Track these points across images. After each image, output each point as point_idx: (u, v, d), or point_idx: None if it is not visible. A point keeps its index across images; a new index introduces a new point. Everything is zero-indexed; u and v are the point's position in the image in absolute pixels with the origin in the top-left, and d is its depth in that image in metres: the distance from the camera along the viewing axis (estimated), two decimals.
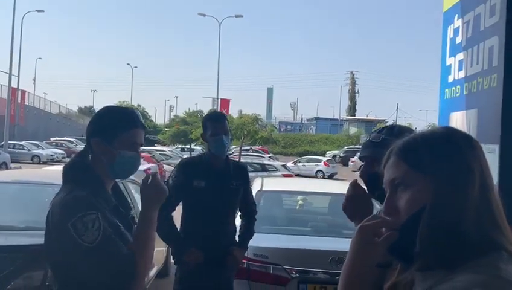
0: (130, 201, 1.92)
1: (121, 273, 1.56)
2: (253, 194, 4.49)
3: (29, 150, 28.62)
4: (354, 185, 1.62)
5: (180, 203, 2.89)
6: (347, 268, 0.89)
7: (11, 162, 21.77)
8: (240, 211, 3.05)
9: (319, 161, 27.86)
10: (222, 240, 2.82)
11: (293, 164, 25.22)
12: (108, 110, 1.80)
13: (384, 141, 1.55)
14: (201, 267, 2.73)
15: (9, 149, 25.52)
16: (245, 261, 3.35)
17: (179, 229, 2.87)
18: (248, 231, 3.02)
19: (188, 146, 29.86)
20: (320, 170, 26.20)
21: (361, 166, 1.71)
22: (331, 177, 24.73)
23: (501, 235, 0.84)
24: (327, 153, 41.35)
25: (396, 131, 1.60)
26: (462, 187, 0.83)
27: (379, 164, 1.55)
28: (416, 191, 0.85)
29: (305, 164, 26.76)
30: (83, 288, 1.58)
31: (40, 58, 66.85)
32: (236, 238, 2.96)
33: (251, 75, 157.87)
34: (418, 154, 0.87)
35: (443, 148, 0.86)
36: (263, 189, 4.58)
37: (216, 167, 2.87)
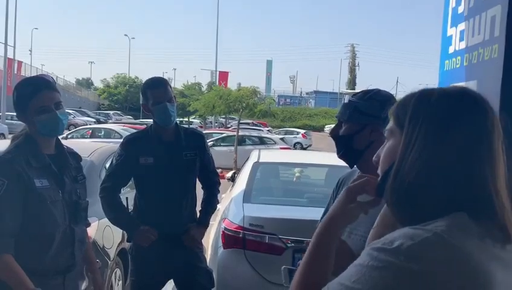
0: (72, 163, 2.06)
1: None
2: (250, 165, 4.52)
3: None
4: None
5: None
6: (324, 226, 0.95)
7: (9, 133, 21.74)
8: (200, 182, 2.84)
9: (298, 133, 28.58)
10: (178, 217, 2.62)
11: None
12: (15, 87, 1.97)
13: (352, 103, 1.59)
14: (156, 246, 2.55)
15: (6, 120, 25.43)
16: (241, 231, 3.37)
17: (132, 209, 2.72)
18: (208, 205, 2.79)
19: (186, 119, 29.77)
20: (299, 142, 26.69)
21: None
22: (306, 148, 25.56)
23: (477, 201, 0.79)
24: (326, 126, 41.30)
25: (368, 95, 1.61)
26: (428, 150, 0.80)
27: (345, 124, 1.58)
28: (393, 144, 0.88)
29: (284, 136, 27.01)
30: None
31: (36, 29, 66.00)
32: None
33: (250, 47, 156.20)
34: (401, 109, 0.87)
35: (425, 107, 0.84)
36: (260, 161, 4.58)
37: (165, 139, 2.62)
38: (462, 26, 2.33)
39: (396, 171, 0.83)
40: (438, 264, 0.71)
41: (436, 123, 0.81)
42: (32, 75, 2.38)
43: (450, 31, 2.48)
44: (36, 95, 1.88)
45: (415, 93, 0.87)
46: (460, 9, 2.35)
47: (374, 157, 0.95)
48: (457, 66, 2.36)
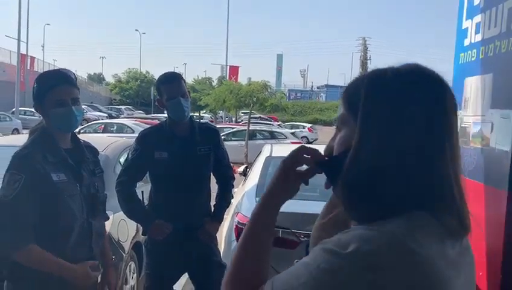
0: (89, 156, 2.10)
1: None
2: (262, 160, 4.53)
3: (40, 116, 28.60)
4: None
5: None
6: (263, 203, 0.86)
7: (23, 128, 21.99)
8: (214, 177, 2.85)
9: (304, 127, 28.92)
10: (192, 211, 2.64)
11: None
12: (36, 79, 2.00)
13: None
14: (171, 240, 2.58)
15: (20, 116, 25.71)
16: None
17: (147, 203, 2.75)
18: (223, 200, 2.79)
19: (197, 113, 29.85)
20: (305, 136, 26.80)
21: None
22: (311, 142, 25.41)
23: (433, 195, 0.73)
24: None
25: None
26: (386, 136, 0.73)
27: None
28: (346, 133, 0.79)
29: (290, 130, 27.07)
30: None
31: (48, 24, 66.45)
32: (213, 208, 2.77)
33: (261, 41, 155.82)
34: (353, 94, 0.78)
35: (378, 88, 0.75)
36: (272, 155, 4.58)
37: (179, 134, 2.64)
38: (478, 18, 2.30)
39: (351, 162, 0.74)
40: (395, 274, 0.65)
41: (392, 105, 0.73)
42: (52, 69, 2.41)
43: (466, 24, 2.45)
44: (55, 88, 1.91)
45: (366, 75, 0.78)
46: (476, 1, 2.32)
47: (324, 150, 0.86)
48: (473, 59, 2.33)
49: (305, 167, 0.86)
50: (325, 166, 0.83)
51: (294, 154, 0.85)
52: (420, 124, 0.72)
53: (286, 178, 0.85)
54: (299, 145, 0.88)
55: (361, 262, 0.66)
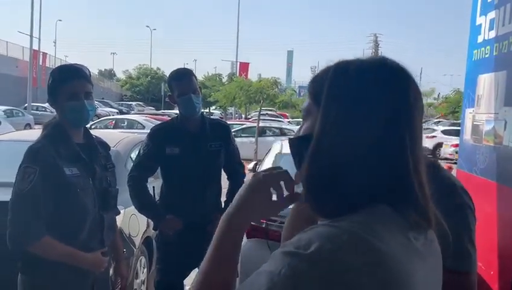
0: (101, 151, 2.12)
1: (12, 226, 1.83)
2: (272, 156, 4.53)
3: (51, 112, 28.92)
4: None
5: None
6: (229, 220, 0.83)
7: (35, 123, 22.25)
8: (225, 173, 2.86)
9: None
10: (203, 206, 2.65)
11: None
12: (51, 73, 2.03)
13: None
14: (182, 235, 2.59)
15: (32, 111, 26.00)
16: (264, 221, 3.39)
17: (158, 199, 2.76)
18: (233, 196, 2.84)
19: (207, 110, 29.93)
20: None
21: None
22: None
23: (399, 188, 0.72)
24: None
25: None
26: (346, 128, 0.71)
27: None
28: (311, 123, 0.77)
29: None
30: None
31: (60, 21, 66.84)
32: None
33: (271, 38, 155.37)
34: (318, 85, 0.77)
35: (342, 80, 0.74)
36: (282, 152, 4.59)
37: (190, 129, 2.66)
38: (492, 14, 2.28)
39: (313, 153, 0.73)
40: (358, 272, 0.63)
41: (354, 97, 0.72)
42: (66, 63, 2.44)
43: (479, 20, 2.42)
44: (68, 82, 1.94)
45: (331, 67, 0.77)
46: None
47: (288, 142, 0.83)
48: (487, 55, 2.30)
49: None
50: (292, 147, 0.81)
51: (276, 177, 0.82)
52: (381, 116, 0.71)
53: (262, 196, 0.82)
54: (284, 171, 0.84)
55: (323, 262, 0.63)
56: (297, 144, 0.79)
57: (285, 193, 0.83)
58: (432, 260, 0.77)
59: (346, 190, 0.71)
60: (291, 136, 0.82)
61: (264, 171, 0.84)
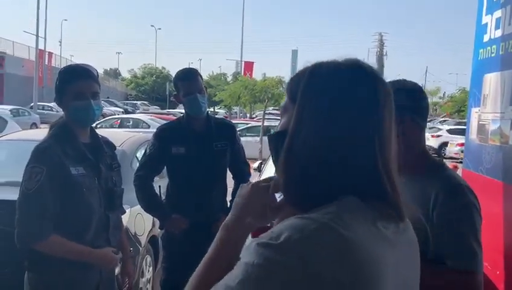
0: (107, 151, 2.13)
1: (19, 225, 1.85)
2: None
3: (57, 111, 29.10)
4: None
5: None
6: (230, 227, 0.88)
7: (41, 123, 22.36)
8: (230, 173, 2.87)
9: None
10: (209, 206, 2.66)
11: None
12: (59, 72, 2.04)
13: None
14: (187, 234, 2.60)
15: (38, 110, 26.12)
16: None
17: (164, 198, 2.78)
18: None
19: (211, 109, 29.97)
20: None
21: None
22: None
23: (366, 180, 0.76)
24: None
25: (396, 86, 1.55)
26: (318, 125, 0.76)
27: None
28: (287, 120, 0.81)
29: None
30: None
31: (65, 20, 67.04)
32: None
33: (275, 37, 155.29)
34: (295, 84, 0.82)
35: (316, 80, 0.79)
36: None
37: (196, 129, 2.68)
38: (498, 13, 2.27)
39: (287, 148, 0.78)
40: (326, 259, 0.66)
41: (326, 97, 0.77)
42: (75, 63, 2.45)
43: (485, 19, 2.41)
44: (76, 81, 1.95)
45: (308, 68, 0.82)
46: None
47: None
48: (493, 55, 2.29)
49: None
50: (269, 142, 0.86)
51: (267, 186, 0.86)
52: (350, 116, 0.76)
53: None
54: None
55: (293, 251, 0.66)
56: (274, 140, 0.83)
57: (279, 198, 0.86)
58: (405, 248, 0.80)
59: (318, 184, 0.75)
60: (271, 133, 0.87)
61: (262, 181, 0.88)
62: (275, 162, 0.84)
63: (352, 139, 0.75)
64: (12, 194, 1.97)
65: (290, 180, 0.78)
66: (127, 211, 3.11)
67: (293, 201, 0.79)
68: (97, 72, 2.07)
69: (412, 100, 1.51)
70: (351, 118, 0.76)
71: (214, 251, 0.86)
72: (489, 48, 2.36)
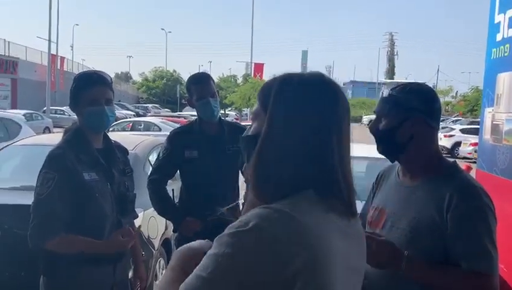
0: (119, 156, 2.15)
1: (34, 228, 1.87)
2: None
3: (69, 115, 29.42)
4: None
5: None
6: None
7: (54, 126, 22.62)
8: (242, 176, 2.88)
9: None
10: (222, 208, 2.64)
11: None
12: (74, 78, 2.06)
13: (391, 97, 1.53)
14: (200, 236, 2.62)
15: (51, 115, 26.43)
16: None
17: (178, 201, 2.79)
18: None
19: (222, 111, 30.04)
20: None
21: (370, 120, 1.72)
22: None
23: (323, 175, 0.87)
24: (363, 117, 40.59)
25: (408, 89, 1.55)
26: (284, 130, 0.87)
27: (385, 119, 1.54)
28: (258, 124, 0.92)
29: None
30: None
31: (77, 25, 67.79)
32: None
33: (285, 38, 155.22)
34: (266, 93, 0.92)
35: (285, 91, 0.90)
36: None
37: (209, 133, 2.70)
38: (510, 12, 2.25)
39: (258, 150, 0.89)
40: (286, 241, 0.78)
41: (294, 106, 0.89)
42: (90, 70, 2.48)
43: (498, 18, 2.39)
44: (90, 88, 1.98)
45: (277, 78, 0.93)
46: None
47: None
48: (506, 54, 2.27)
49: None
50: (242, 143, 0.96)
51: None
52: (312, 122, 0.88)
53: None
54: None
55: (261, 235, 0.78)
56: (247, 142, 0.95)
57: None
58: (355, 240, 0.93)
59: (282, 181, 0.87)
60: (243, 135, 0.98)
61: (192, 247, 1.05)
62: (246, 161, 0.95)
63: (312, 143, 0.87)
64: (28, 199, 1.99)
65: (259, 178, 0.89)
66: (140, 214, 3.14)
67: (261, 195, 0.89)
68: (111, 79, 2.09)
69: (424, 102, 1.50)
70: (312, 125, 0.88)
71: (170, 275, 0.95)
72: (502, 47, 2.33)
